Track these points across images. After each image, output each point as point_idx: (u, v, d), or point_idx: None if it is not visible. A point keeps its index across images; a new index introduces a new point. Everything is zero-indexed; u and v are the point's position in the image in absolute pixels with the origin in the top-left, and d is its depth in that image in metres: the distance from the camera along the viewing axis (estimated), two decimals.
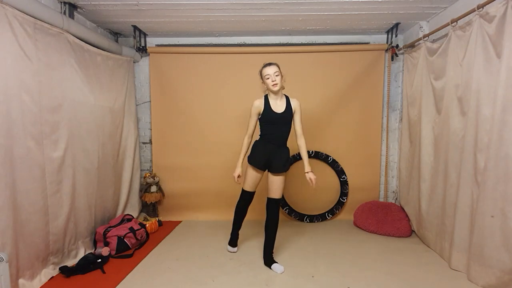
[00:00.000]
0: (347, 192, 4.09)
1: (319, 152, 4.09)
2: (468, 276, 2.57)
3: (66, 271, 2.62)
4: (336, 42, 4.06)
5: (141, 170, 4.22)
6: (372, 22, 3.61)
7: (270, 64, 2.65)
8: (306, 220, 4.06)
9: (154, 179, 4.07)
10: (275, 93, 2.69)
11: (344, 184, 4.08)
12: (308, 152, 4.03)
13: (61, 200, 2.75)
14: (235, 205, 3.00)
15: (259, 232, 3.55)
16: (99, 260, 2.82)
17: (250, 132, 2.83)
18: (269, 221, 2.82)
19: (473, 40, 2.52)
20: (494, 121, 2.30)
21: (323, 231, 3.71)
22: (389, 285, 2.49)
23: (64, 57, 2.80)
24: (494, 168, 2.33)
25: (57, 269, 2.67)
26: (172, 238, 3.53)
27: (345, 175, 4.08)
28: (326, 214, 4.09)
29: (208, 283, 2.53)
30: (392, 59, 4.03)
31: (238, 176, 2.85)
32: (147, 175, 4.07)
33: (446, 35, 2.96)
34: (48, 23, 2.60)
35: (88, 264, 2.72)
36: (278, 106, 2.73)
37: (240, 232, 3.11)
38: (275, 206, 2.80)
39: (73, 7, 3.08)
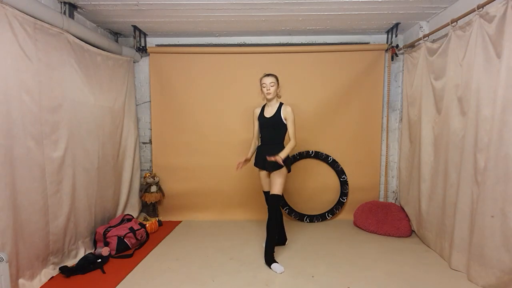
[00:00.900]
0: (347, 192, 4.09)
1: (319, 152, 4.09)
2: (468, 276, 2.57)
3: (66, 271, 2.62)
4: (336, 42, 4.06)
5: (141, 170, 4.22)
6: (372, 22, 3.62)
7: (268, 75, 2.90)
8: (306, 220, 4.06)
9: (154, 179, 4.07)
10: (269, 100, 2.95)
11: (344, 184, 4.08)
12: (308, 152, 4.06)
13: (61, 200, 2.75)
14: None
15: (259, 232, 3.57)
16: (99, 260, 2.82)
17: (254, 135, 3.14)
18: (268, 218, 2.87)
19: (473, 40, 2.52)
20: (494, 121, 2.30)
21: (323, 231, 3.71)
22: (389, 285, 2.49)
23: (64, 57, 2.80)
24: (494, 168, 2.33)
25: (57, 269, 2.67)
26: (172, 238, 3.53)
27: (345, 175, 4.08)
28: (326, 214, 4.09)
29: (208, 283, 2.53)
30: (392, 59, 4.03)
31: (239, 163, 3.04)
32: (147, 175, 4.07)
33: (446, 35, 2.96)
34: (48, 23, 2.60)
35: (88, 264, 2.72)
36: (269, 111, 2.97)
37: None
38: (273, 201, 2.87)
39: (73, 7, 3.09)
